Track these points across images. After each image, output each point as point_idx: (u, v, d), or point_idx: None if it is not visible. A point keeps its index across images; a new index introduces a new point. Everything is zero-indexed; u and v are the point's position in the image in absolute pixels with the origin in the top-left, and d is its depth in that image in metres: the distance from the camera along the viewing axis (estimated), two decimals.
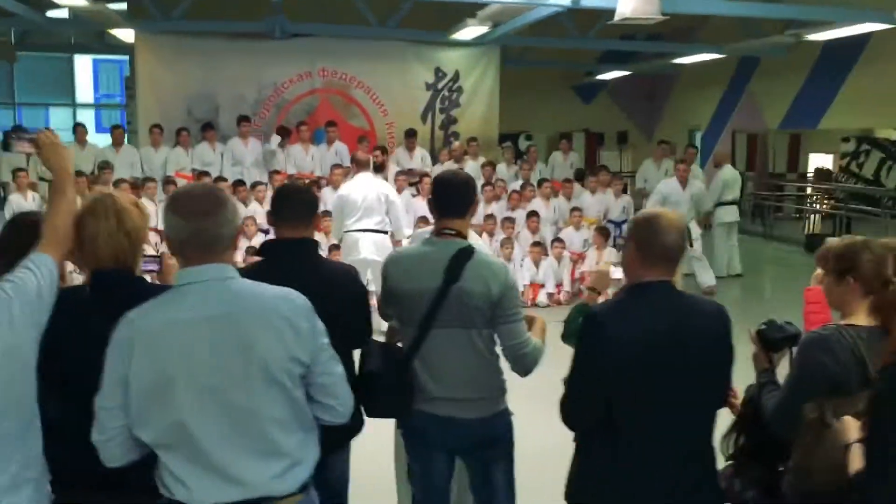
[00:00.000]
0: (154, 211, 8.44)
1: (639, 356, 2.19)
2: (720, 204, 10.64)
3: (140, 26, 11.14)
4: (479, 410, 2.74)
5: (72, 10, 9.39)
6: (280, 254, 2.76)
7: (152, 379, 1.98)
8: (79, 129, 10.80)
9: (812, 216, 15.98)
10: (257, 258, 2.83)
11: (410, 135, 11.29)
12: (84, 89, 20.71)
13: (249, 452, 2.00)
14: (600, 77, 17.12)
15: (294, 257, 2.73)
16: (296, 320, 2.06)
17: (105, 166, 9.65)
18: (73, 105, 18.60)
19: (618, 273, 2.90)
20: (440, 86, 12.12)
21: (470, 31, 10.86)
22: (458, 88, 12.17)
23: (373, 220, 7.42)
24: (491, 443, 2.80)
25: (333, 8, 11.91)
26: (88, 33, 15.31)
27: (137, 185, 9.42)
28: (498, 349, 2.78)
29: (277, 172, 10.04)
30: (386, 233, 7.50)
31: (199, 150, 10.77)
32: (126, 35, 11.86)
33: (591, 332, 2.28)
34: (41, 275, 2.15)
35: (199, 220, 2.04)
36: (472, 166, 10.97)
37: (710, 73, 15.71)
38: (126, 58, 19.36)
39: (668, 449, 2.25)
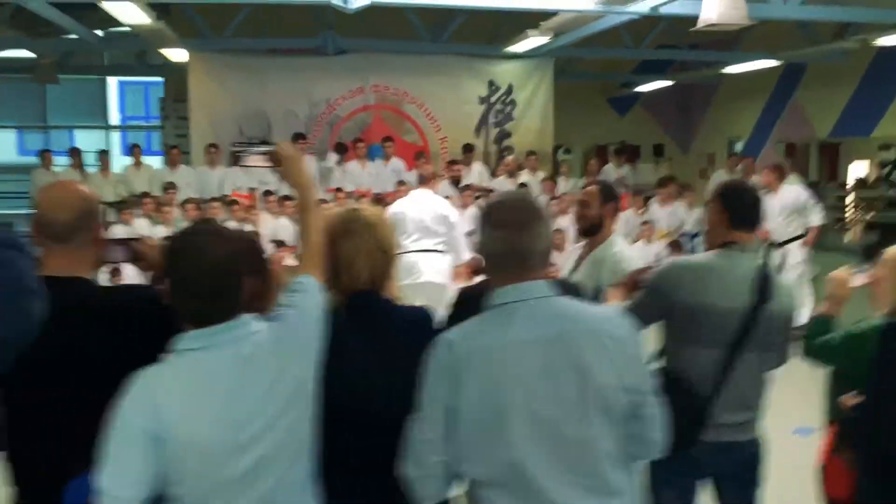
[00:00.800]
0: None
1: None
2: None
3: (193, 45, 10.99)
4: (753, 431, 2.56)
5: (134, 28, 9.22)
6: None
7: (484, 409, 1.77)
8: (135, 150, 10.67)
9: (856, 225, 15.76)
10: None
11: (468, 150, 11.12)
12: (110, 112, 20.68)
13: (582, 490, 1.79)
14: (638, 88, 16.96)
15: None
16: (625, 343, 1.84)
17: (170, 187, 9.47)
18: (107, 127, 18.49)
19: (859, 279, 2.70)
20: (493, 99, 11.96)
21: (528, 43, 10.68)
22: (511, 101, 12.01)
23: (432, 240, 6.93)
24: (755, 463, 2.60)
25: (385, 23, 11.74)
26: (128, 54, 15.21)
27: (201, 206, 9.26)
28: None
29: (339, 190, 9.89)
30: (444, 253, 6.99)
31: (256, 168, 10.59)
32: (175, 55, 11.71)
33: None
34: (316, 300, 1.95)
35: (517, 233, 1.83)
36: (526, 181, 10.82)
37: (753, 82, 15.51)
38: (154, 79, 19.48)
39: None
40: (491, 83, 11.93)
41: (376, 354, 2.03)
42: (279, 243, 8.90)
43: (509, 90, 11.99)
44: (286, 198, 9.54)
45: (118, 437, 1.64)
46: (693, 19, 8.24)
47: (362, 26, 11.70)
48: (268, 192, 9.67)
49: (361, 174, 10.78)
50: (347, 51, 11.42)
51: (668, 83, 16.43)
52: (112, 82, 19.97)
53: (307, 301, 1.89)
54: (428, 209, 6.99)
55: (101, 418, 1.81)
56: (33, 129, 18.00)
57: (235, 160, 10.63)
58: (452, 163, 10.38)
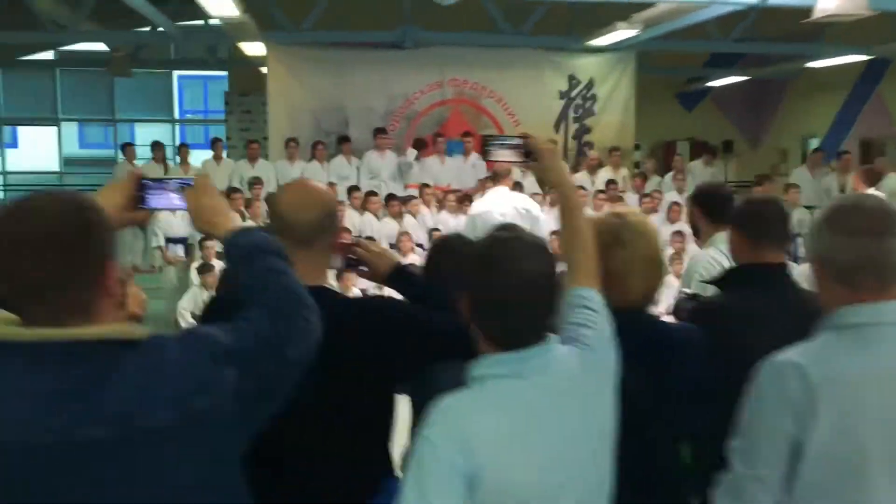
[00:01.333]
0: None
1: None
2: None
3: (272, 38, 10.86)
4: None
5: (222, 21, 9.11)
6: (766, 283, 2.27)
7: (839, 448, 1.53)
8: (216, 145, 10.57)
9: None
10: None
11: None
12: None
13: None
14: (711, 83, 16.51)
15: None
16: None
17: (256, 182, 9.35)
18: (173, 121, 18.56)
19: None
20: (574, 94, 11.67)
21: (612, 37, 10.35)
22: (592, 96, 11.71)
23: None
24: None
25: (463, 16, 11.52)
26: (196, 48, 15.21)
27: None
28: None
29: (427, 185, 9.71)
30: None
31: (335, 163, 10.46)
32: (250, 48, 11.61)
33: None
34: (606, 318, 1.70)
35: (878, 240, 1.59)
36: (603, 177, 10.52)
37: (831, 76, 14.99)
38: (214, 74, 19.49)
39: None
40: (571, 77, 11.64)
41: (650, 382, 1.80)
42: (369, 239, 8.73)
43: (590, 84, 11.69)
44: (371, 193, 9.39)
45: (431, 476, 1.42)
46: (800, 10, 7.93)
47: (441, 19, 11.52)
48: (353, 188, 9.51)
49: (441, 170, 10.57)
50: (425, 44, 11.21)
51: (742, 78, 15.97)
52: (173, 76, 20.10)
53: (600, 320, 1.67)
54: (511, 206, 6.75)
55: (356, 440, 1.64)
56: (96, 123, 18.12)
57: (314, 154, 10.49)
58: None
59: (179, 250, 8.78)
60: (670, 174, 10.86)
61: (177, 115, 19.94)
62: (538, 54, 11.50)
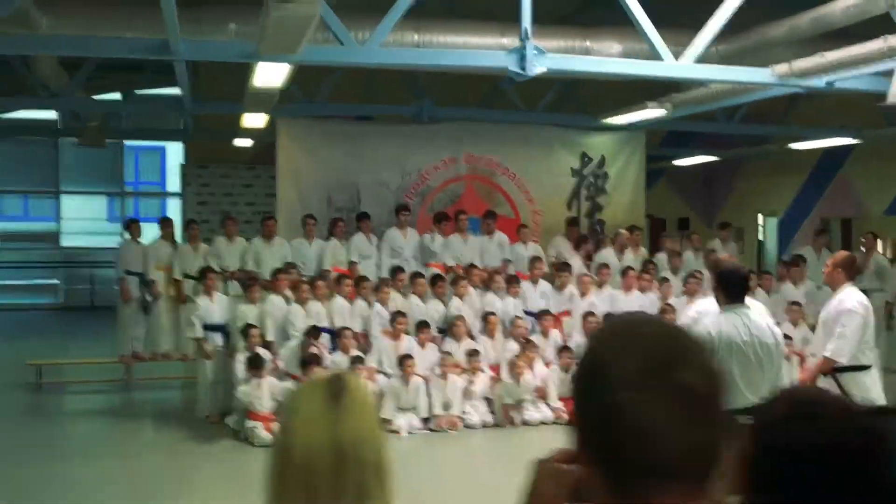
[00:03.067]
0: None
1: None
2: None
3: (281, 111, 10.33)
4: None
5: (258, 91, 8.54)
6: None
7: None
8: (228, 223, 9.85)
9: None
10: None
11: (573, 223, 10.68)
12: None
13: None
14: (678, 162, 16.89)
15: None
16: None
17: (291, 266, 8.66)
18: (122, 194, 17.44)
19: None
20: (586, 171, 11.58)
21: (632, 116, 10.32)
22: (603, 174, 11.65)
23: None
24: None
25: (478, 92, 11.37)
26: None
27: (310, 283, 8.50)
28: None
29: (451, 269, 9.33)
30: None
31: (355, 241, 9.89)
32: (252, 120, 10.99)
33: None
34: None
35: None
36: (630, 259, 10.33)
37: (790, 158, 15.49)
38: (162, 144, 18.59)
39: None
40: (584, 155, 11.57)
41: None
42: (422, 324, 8.19)
43: (601, 162, 11.64)
44: (418, 275, 8.89)
45: None
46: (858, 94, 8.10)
47: (455, 94, 11.33)
48: (398, 269, 8.99)
49: (463, 248, 10.17)
50: (440, 119, 10.94)
51: (707, 159, 16.36)
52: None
53: None
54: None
55: None
56: (41, 195, 16.87)
57: (332, 232, 9.92)
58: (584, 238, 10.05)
59: (218, 339, 7.99)
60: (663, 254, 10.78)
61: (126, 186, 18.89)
62: (551, 131, 11.41)
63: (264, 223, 9.80)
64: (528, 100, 11.17)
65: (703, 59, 7.29)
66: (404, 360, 7.57)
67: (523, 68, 7.06)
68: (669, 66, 7.21)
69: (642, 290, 8.97)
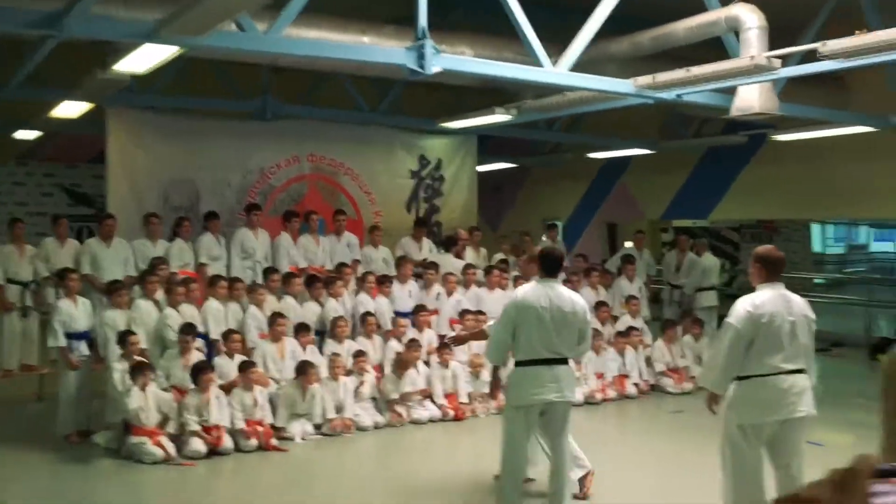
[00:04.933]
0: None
1: None
2: (701, 289, 11.47)
3: (112, 100, 9.43)
4: None
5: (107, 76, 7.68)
6: None
7: None
8: (60, 222, 8.83)
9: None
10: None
11: (420, 224, 10.83)
12: None
13: None
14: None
15: None
16: None
17: (160, 262, 7.97)
18: None
19: None
20: (424, 173, 11.78)
21: (478, 120, 10.68)
22: (440, 177, 11.91)
23: None
24: None
25: (322, 91, 11.16)
26: None
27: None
28: None
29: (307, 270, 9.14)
30: None
31: (204, 241, 9.29)
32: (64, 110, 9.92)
33: None
34: None
35: None
36: (471, 257, 10.74)
37: (572, 167, 16.69)
38: None
39: None
40: (422, 157, 11.77)
41: None
42: (302, 326, 7.91)
43: (438, 165, 11.91)
44: (291, 275, 8.57)
45: None
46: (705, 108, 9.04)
47: (300, 93, 11.06)
48: (271, 270, 8.61)
49: (316, 250, 9.93)
50: (284, 117, 10.60)
51: (504, 165, 17.21)
52: None
53: None
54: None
55: None
56: None
57: (177, 232, 9.24)
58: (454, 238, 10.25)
59: (83, 348, 7.14)
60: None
61: None
62: (391, 133, 11.49)
63: (102, 222, 8.90)
64: (369, 101, 11.17)
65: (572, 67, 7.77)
66: (306, 367, 7.26)
67: (422, 66, 7.10)
68: (548, 72, 7.59)
69: (503, 287, 9.32)
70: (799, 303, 4.88)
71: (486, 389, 8.51)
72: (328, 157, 10.97)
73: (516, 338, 5.16)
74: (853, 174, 11.79)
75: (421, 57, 7.04)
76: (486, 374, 8.44)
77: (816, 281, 21.39)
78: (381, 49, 7.29)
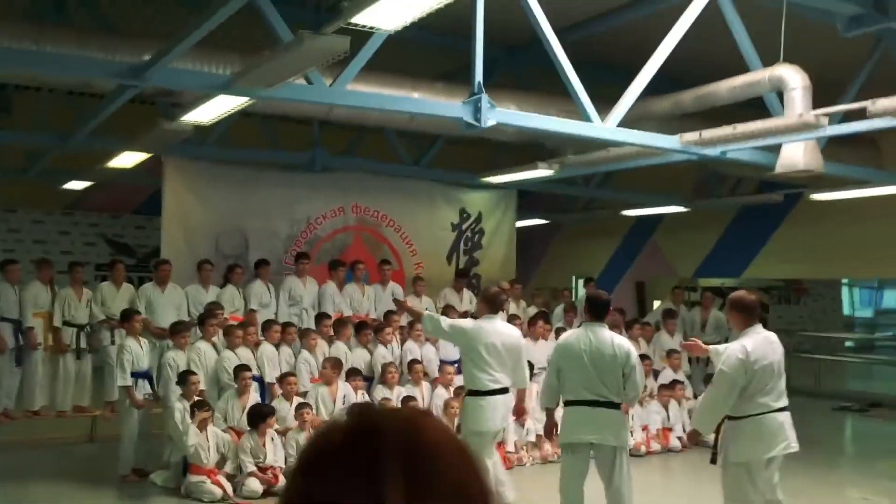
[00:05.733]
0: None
1: None
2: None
3: (170, 150, 9.78)
4: None
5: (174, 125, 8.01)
6: None
7: None
8: (117, 267, 9.10)
9: None
10: None
11: (461, 275, 11.01)
12: None
13: None
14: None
15: None
16: None
17: (216, 307, 8.18)
18: None
19: None
20: (464, 226, 12.01)
21: (521, 174, 10.89)
22: (480, 230, 12.14)
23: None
24: None
25: (366, 146, 11.50)
26: None
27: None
28: None
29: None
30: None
31: (254, 288, 9.52)
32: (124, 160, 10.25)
33: None
34: None
35: None
36: (512, 309, 10.86)
37: (605, 222, 16.85)
38: None
39: None
40: (463, 210, 12.01)
41: None
42: (353, 371, 8.04)
43: (479, 218, 12.14)
44: (341, 322, 8.74)
45: None
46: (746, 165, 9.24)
47: (346, 145, 11.40)
48: (323, 316, 8.78)
49: (361, 298, 10.13)
50: (331, 169, 10.92)
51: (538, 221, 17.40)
52: None
53: None
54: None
55: None
56: None
57: (229, 279, 9.49)
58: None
59: (147, 387, 7.31)
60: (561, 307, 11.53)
61: None
62: (434, 186, 11.76)
63: (159, 267, 9.16)
64: (411, 155, 11.48)
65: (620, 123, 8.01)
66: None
67: (478, 119, 7.38)
68: (598, 127, 7.81)
69: (545, 338, 9.45)
70: (777, 342, 5.21)
71: (532, 438, 8.61)
72: (372, 209, 11.23)
73: (560, 380, 5.35)
74: (887, 234, 11.91)
75: (477, 111, 7.31)
76: (530, 423, 8.52)
77: (847, 344, 21.36)
78: (440, 103, 7.56)
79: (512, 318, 9.86)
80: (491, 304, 6.45)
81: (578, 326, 5.85)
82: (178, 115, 7.82)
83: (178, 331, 7.50)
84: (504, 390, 6.21)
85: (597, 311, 5.71)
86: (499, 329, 6.37)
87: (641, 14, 8.46)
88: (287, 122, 10.68)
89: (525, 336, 9.50)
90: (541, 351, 9.18)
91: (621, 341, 5.65)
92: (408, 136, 11.13)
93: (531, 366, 8.74)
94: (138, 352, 7.25)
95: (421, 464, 0.83)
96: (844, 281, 22.24)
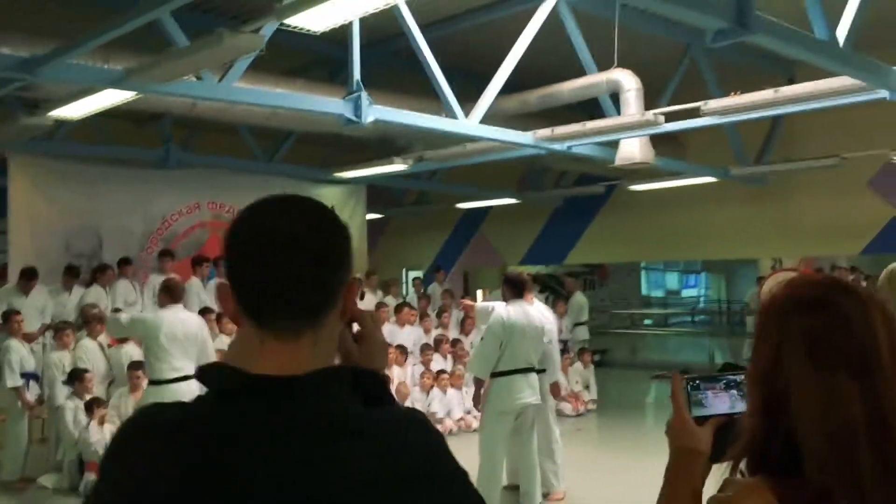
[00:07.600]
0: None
1: None
2: (577, 324, 12.72)
3: (17, 147, 9.34)
4: None
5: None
6: None
7: None
8: None
9: None
10: None
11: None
12: None
13: None
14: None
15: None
16: None
17: (13, 312, 7.59)
18: None
19: None
20: None
21: (375, 169, 11.34)
22: None
23: None
24: None
25: (222, 142, 11.48)
26: None
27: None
28: None
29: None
30: None
31: (119, 287, 9.34)
32: None
33: None
34: None
35: None
36: (369, 300, 11.38)
37: (434, 215, 17.65)
38: None
39: None
40: None
41: None
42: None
43: None
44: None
45: None
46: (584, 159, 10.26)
47: (200, 142, 11.34)
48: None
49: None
50: (186, 165, 10.83)
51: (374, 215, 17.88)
52: None
53: None
54: None
55: None
56: None
57: (95, 278, 9.26)
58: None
59: (35, 390, 7.06)
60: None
61: None
62: (287, 182, 11.90)
63: (24, 272, 8.75)
64: (267, 151, 11.61)
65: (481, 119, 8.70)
66: None
67: (359, 116, 7.80)
68: (463, 124, 8.48)
69: (411, 323, 10.03)
70: (535, 313, 6.39)
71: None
72: (227, 205, 11.25)
73: (501, 352, 5.97)
74: (683, 221, 13.51)
75: (357, 108, 7.74)
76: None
77: (646, 322, 23.72)
78: (323, 100, 7.87)
79: (380, 306, 10.40)
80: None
81: (506, 303, 6.41)
82: (42, 111, 7.62)
83: (61, 328, 7.31)
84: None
85: (517, 289, 6.46)
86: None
87: (497, 16, 9.10)
88: (128, 120, 10.50)
89: (392, 322, 10.06)
90: (407, 335, 9.74)
91: (548, 315, 6.64)
92: (260, 133, 11.26)
93: (403, 349, 9.33)
94: (23, 352, 7.01)
95: None
96: (643, 265, 24.57)
